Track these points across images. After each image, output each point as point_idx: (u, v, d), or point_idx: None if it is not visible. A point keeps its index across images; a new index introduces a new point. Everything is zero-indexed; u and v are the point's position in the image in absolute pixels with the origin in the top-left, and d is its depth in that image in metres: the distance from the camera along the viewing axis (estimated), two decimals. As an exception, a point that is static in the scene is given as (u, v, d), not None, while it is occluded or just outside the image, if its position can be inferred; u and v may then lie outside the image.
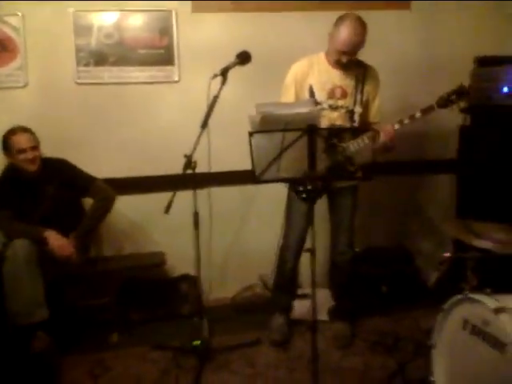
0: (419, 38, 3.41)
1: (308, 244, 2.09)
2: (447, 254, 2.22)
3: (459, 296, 2.00)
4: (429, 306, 2.71)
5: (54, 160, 2.82)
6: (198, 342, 2.58)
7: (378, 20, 3.27)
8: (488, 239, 1.98)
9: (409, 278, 3.31)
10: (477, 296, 1.93)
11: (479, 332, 1.89)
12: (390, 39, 3.34)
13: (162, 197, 2.35)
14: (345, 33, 2.41)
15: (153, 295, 3.09)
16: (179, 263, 3.19)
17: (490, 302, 1.86)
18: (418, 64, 3.40)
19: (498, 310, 1.80)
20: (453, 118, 3.17)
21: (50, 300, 2.57)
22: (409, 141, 3.20)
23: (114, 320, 2.85)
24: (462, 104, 2.68)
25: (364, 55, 2.58)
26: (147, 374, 2.51)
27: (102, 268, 2.91)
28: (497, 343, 1.79)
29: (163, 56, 3.12)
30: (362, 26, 2.42)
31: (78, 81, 3.04)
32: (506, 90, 2.91)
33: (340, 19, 2.46)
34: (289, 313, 2.94)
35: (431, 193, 3.59)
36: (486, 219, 2.19)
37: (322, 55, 2.58)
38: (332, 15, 2.54)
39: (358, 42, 2.43)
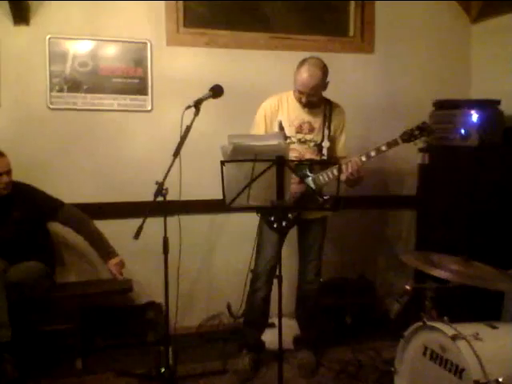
0: (382, 80, 3.59)
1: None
2: (408, 287, 2.30)
3: (419, 323, 2.08)
4: (390, 336, 2.79)
5: (22, 185, 2.80)
6: (164, 370, 2.54)
7: (345, 62, 3.49)
8: (445, 269, 2.08)
9: (371, 309, 3.40)
10: (435, 324, 2.02)
11: (438, 358, 1.97)
12: (354, 80, 3.51)
13: (132, 223, 2.37)
14: (303, 75, 2.55)
15: (119, 322, 3.04)
16: (146, 290, 3.17)
17: (447, 329, 1.95)
18: (381, 105, 3.57)
19: (455, 337, 1.89)
20: (413, 158, 3.38)
21: (14, 324, 2.50)
22: (373, 178, 3.38)
23: (78, 346, 2.79)
24: (424, 140, 2.84)
25: (330, 94, 2.72)
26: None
27: (66, 293, 2.86)
28: (455, 368, 1.88)
29: (137, 86, 3.18)
30: (319, 70, 2.56)
31: (51, 106, 3.06)
32: (463, 131, 3.07)
33: (301, 62, 2.60)
34: (259, 351, 2.87)
35: (393, 226, 3.72)
36: (442, 252, 2.31)
37: (290, 93, 2.70)
38: (300, 55, 2.70)
39: (315, 85, 2.56)
